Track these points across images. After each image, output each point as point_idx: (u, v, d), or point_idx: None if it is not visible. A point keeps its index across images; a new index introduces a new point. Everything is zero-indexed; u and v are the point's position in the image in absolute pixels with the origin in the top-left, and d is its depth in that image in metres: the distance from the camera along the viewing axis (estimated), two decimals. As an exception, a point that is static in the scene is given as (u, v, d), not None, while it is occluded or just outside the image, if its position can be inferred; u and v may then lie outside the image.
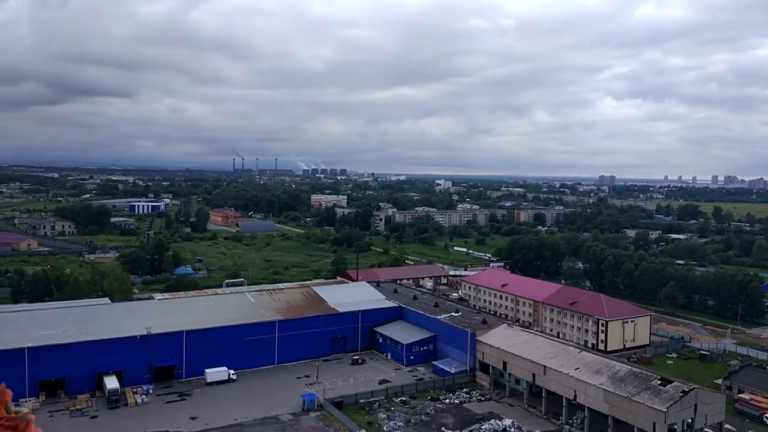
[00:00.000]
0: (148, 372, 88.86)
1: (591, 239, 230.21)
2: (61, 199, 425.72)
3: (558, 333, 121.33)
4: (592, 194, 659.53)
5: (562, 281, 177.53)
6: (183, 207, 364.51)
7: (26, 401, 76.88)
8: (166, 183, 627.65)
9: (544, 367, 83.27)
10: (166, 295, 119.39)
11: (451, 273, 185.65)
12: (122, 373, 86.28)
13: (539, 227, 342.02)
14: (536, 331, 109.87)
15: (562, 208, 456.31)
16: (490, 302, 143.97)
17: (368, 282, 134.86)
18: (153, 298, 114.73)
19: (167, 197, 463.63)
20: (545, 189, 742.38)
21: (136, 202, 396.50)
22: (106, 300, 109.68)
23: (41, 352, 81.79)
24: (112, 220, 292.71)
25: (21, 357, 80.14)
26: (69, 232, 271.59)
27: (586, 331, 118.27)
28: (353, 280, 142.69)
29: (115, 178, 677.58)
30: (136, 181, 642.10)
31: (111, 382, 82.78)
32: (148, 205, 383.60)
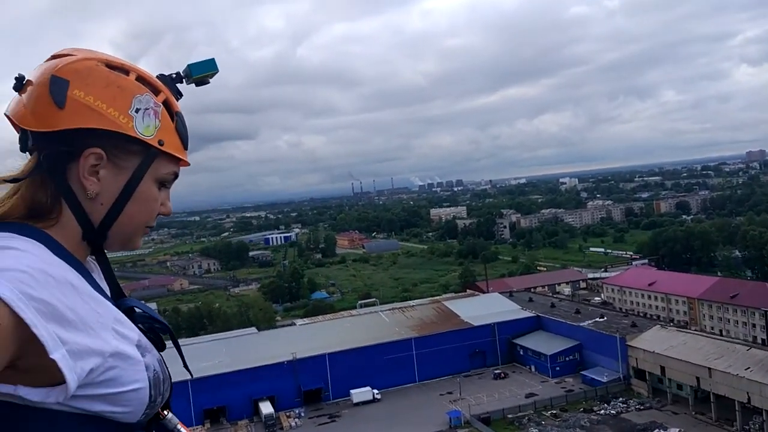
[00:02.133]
0: (298, 396, 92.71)
1: (746, 223, 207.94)
2: (204, 239, 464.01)
3: (720, 330, 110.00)
4: (740, 173, 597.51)
5: (719, 273, 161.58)
6: (312, 235, 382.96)
7: (194, 429, 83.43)
8: (294, 214, 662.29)
9: (709, 369, 75.24)
10: (306, 320, 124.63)
11: (590, 276, 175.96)
12: (275, 398, 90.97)
13: (684, 216, 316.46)
14: (695, 330, 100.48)
15: (707, 192, 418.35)
16: (637, 303, 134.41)
17: (500, 293, 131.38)
18: (294, 324, 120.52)
19: (297, 227, 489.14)
20: (685, 174, 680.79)
21: (269, 234, 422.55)
22: (253, 329, 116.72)
23: (203, 383, 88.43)
24: (251, 253, 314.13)
25: (186, 388, 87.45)
26: (214, 269, 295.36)
27: (753, 325, 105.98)
28: (483, 292, 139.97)
29: (248, 215, 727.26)
30: (268, 215, 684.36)
31: (266, 408, 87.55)
32: (280, 237, 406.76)
